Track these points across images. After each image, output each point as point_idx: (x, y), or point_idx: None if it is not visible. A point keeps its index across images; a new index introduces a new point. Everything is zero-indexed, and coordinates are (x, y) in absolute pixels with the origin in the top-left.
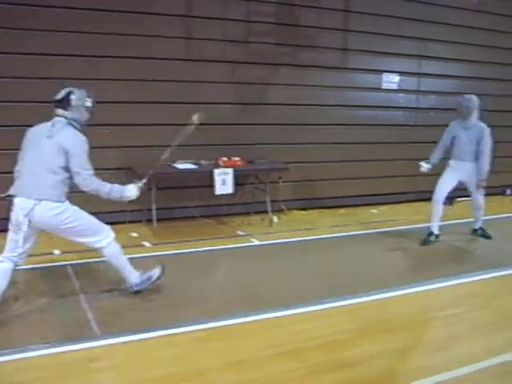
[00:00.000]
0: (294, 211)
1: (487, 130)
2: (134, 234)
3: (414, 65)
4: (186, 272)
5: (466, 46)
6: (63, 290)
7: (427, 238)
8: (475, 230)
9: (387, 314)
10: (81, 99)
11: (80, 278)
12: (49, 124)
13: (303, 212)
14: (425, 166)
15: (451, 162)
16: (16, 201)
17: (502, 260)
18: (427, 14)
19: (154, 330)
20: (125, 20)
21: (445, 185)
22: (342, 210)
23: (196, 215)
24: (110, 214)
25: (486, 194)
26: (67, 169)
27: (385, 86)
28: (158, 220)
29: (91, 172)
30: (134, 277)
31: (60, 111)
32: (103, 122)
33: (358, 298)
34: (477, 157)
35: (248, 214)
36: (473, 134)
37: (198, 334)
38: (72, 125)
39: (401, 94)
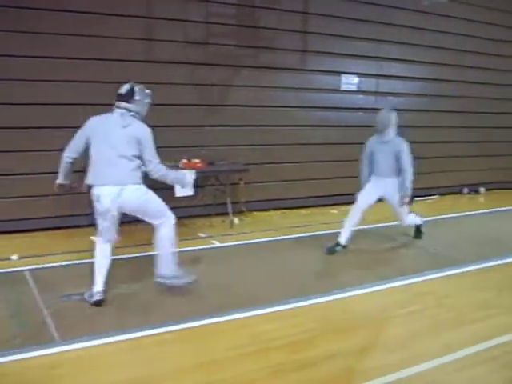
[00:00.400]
0: (256, 212)
1: (405, 145)
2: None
3: (372, 66)
4: (147, 275)
5: (424, 49)
6: (21, 296)
7: (333, 247)
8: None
9: (348, 313)
10: (142, 94)
11: (38, 283)
12: (116, 115)
13: (265, 213)
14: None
15: (372, 178)
16: (98, 190)
17: (452, 259)
18: (384, 16)
19: (116, 334)
20: (86, 21)
21: (366, 195)
22: (302, 211)
23: None
24: (67, 217)
25: (444, 193)
26: (139, 157)
27: (344, 87)
28: None
29: (159, 160)
30: (167, 269)
31: (123, 104)
32: (58, 125)
33: (319, 298)
34: (397, 172)
35: (209, 215)
36: (390, 149)
37: (162, 336)
38: (136, 117)
39: (360, 96)
